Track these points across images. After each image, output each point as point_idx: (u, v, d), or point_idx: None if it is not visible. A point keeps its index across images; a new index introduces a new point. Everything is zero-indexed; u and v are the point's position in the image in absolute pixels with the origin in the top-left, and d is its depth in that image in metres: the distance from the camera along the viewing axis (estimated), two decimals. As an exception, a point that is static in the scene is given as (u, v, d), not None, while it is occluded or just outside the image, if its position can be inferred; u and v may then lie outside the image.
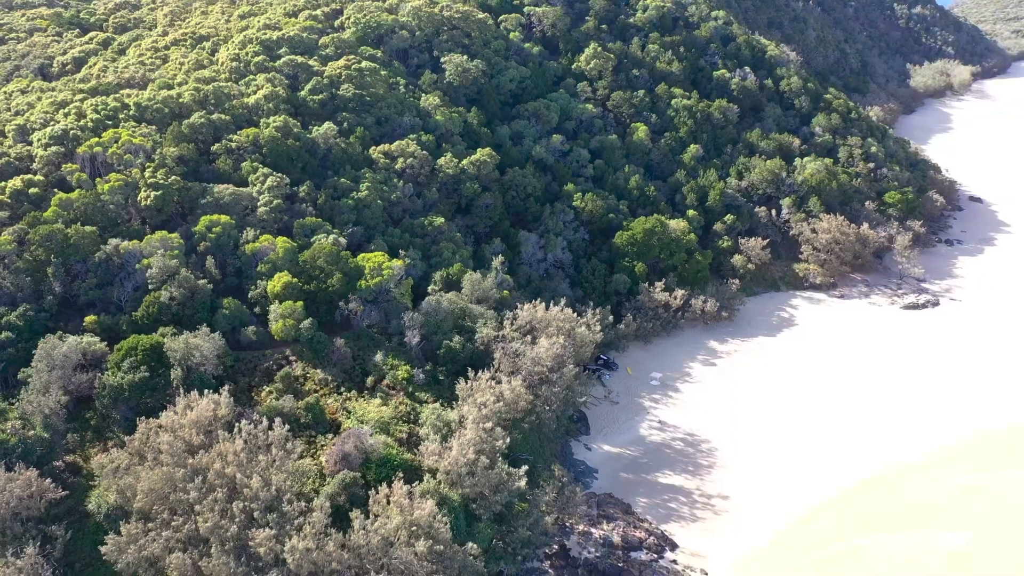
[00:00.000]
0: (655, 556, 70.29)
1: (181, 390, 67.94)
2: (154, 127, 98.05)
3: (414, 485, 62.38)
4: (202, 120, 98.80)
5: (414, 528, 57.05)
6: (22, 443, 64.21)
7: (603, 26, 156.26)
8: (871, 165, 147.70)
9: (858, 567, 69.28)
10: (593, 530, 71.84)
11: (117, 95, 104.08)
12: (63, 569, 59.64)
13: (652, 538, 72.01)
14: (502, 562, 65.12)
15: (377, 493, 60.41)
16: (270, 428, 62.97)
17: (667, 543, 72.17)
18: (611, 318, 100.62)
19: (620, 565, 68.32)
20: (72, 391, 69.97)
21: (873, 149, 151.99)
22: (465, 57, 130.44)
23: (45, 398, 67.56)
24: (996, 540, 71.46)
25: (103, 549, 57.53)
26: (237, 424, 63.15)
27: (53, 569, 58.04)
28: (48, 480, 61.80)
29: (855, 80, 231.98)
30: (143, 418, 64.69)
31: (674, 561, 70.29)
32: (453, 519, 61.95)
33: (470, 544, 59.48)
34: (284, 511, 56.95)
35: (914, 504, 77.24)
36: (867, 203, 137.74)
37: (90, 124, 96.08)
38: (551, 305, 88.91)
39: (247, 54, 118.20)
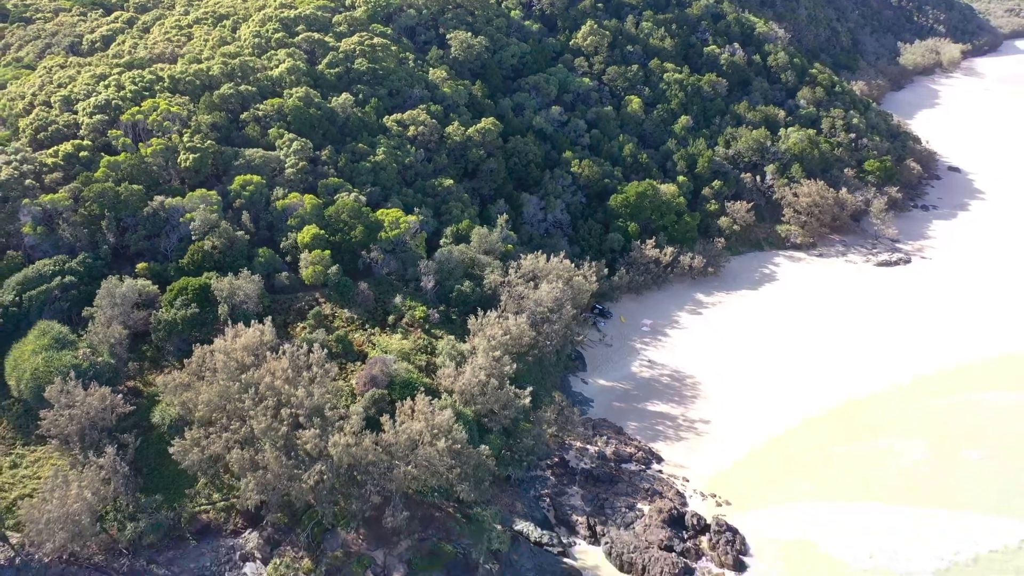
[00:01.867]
0: (643, 467, 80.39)
1: (228, 323, 77.64)
2: (187, 97, 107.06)
3: (433, 400, 72.23)
4: (231, 91, 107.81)
5: (435, 431, 66.90)
6: (93, 367, 74.02)
7: (599, 4, 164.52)
8: (852, 135, 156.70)
9: (822, 469, 79.51)
10: (589, 446, 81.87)
11: (151, 69, 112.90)
12: (133, 471, 69.67)
13: (641, 453, 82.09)
14: (510, 468, 75.20)
15: (403, 405, 70.28)
16: (309, 352, 72.78)
17: (654, 457, 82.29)
18: (606, 271, 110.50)
19: (612, 473, 78.40)
20: (130, 326, 79.63)
21: (855, 121, 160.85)
22: (469, 34, 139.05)
23: (109, 330, 77.29)
24: (945, 446, 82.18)
25: (172, 450, 67.47)
26: (281, 348, 72.98)
27: (127, 469, 68.12)
28: (119, 396, 71.87)
29: (845, 58, 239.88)
30: (198, 345, 74.46)
31: (660, 471, 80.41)
32: (467, 430, 71.81)
33: (483, 446, 69.41)
34: (326, 416, 66.83)
35: (877, 424, 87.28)
36: (847, 170, 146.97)
37: (129, 95, 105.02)
38: (551, 257, 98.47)
39: (267, 31, 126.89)
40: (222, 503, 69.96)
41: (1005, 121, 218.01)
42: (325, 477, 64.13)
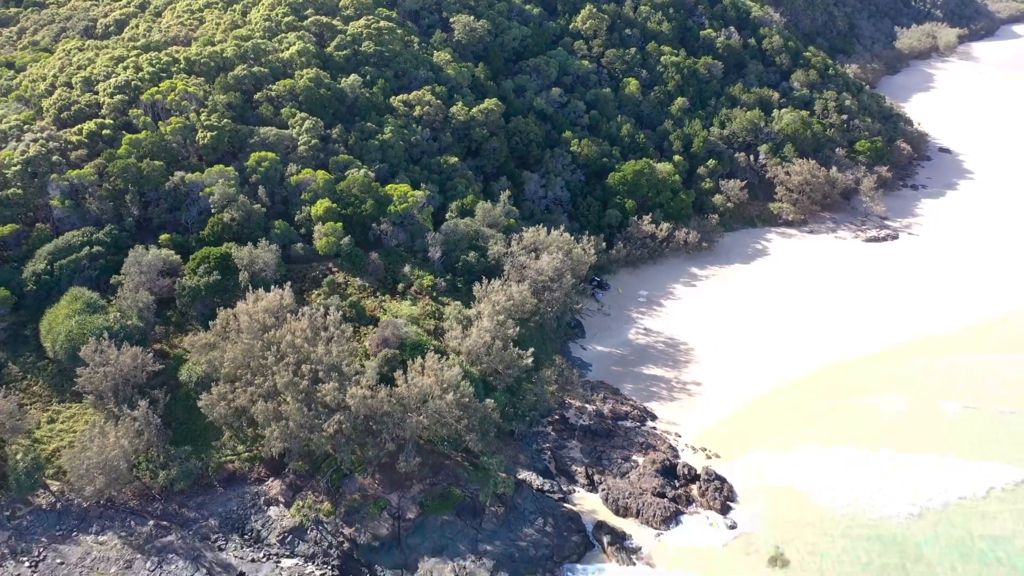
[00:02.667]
0: (638, 424, 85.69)
1: (249, 289, 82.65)
2: (202, 79, 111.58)
3: (442, 359, 77.36)
4: (244, 72, 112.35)
5: (445, 385, 72.08)
6: (123, 329, 79.16)
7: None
8: (844, 117, 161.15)
9: (808, 424, 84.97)
10: (587, 405, 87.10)
11: (167, 51, 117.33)
12: (163, 424, 74.88)
13: (636, 411, 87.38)
14: (513, 423, 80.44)
15: (414, 363, 75.42)
16: (326, 314, 77.88)
17: (648, 415, 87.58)
18: (604, 245, 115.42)
19: (609, 429, 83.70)
20: (156, 292, 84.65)
21: (847, 102, 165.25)
22: (472, 18, 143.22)
23: (137, 296, 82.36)
24: (924, 401, 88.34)
25: (200, 404, 72.71)
26: (300, 310, 78.11)
27: (159, 421, 73.40)
28: (149, 355, 77.06)
29: (841, 41, 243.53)
30: (221, 308, 79.56)
31: (653, 428, 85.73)
32: (474, 387, 76.95)
33: (489, 400, 74.63)
34: (343, 371, 72.00)
35: (861, 384, 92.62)
36: (838, 150, 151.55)
37: (147, 76, 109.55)
38: (552, 231, 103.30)
39: (277, 15, 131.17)
40: (246, 454, 75.30)
41: (997, 104, 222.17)
42: (343, 426, 69.38)
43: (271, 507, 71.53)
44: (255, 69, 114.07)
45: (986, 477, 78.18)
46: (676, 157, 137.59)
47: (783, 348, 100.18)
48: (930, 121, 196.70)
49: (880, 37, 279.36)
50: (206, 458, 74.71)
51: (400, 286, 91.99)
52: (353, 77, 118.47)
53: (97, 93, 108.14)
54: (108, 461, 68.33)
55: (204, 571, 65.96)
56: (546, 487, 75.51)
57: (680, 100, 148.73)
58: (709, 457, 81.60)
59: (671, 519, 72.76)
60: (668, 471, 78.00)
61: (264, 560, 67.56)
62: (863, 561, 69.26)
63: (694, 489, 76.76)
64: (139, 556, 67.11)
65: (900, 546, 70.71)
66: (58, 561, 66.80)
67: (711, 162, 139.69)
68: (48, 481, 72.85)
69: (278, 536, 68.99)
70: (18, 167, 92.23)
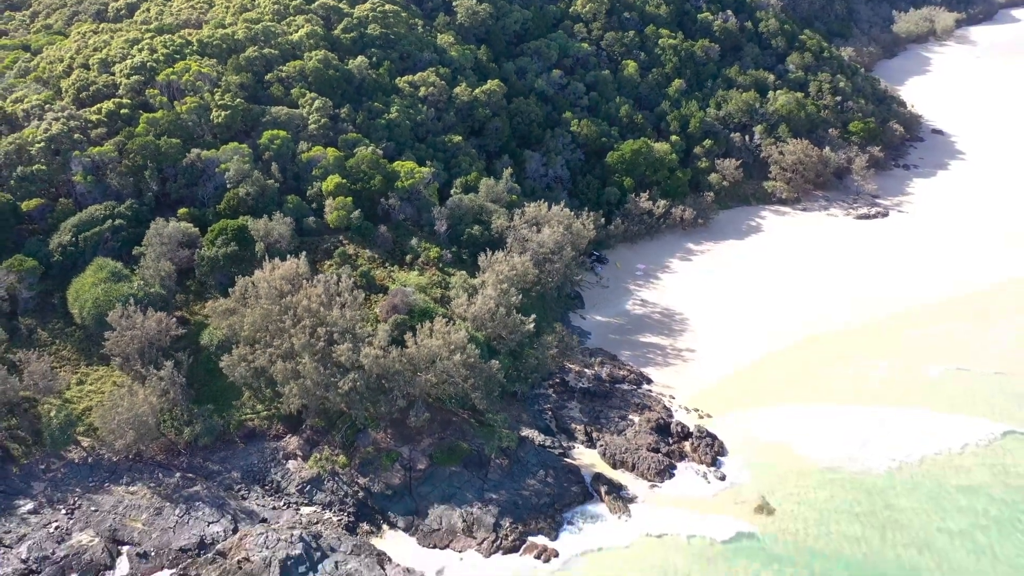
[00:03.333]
0: (634, 386, 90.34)
1: (265, 258, 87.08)
2: (215, 60, 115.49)
3: (449, 323, 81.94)
4: (256, 54, 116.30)
5: (452, 347, 76.69)
6: (147, 296, 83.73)
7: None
8: (838, 98, 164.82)
9: (796, 385, 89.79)
10: (586, 369, 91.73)
11: (180, 34, 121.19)
12: (187, 385, 79.56)
13: (632, 375, 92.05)
14: (516, 384, 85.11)
15: (423, 327, 79.99)
16: (339, 281, 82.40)
17: (644, 379, 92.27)
18: (603, 221, 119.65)
19: (607, 391, 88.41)
20: (176, 263, 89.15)
21: (842, 84, 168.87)
22: (474, 1, 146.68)
23: (159, 265, 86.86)
24: (908, 364, 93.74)
25: (221, 364, 77.43)
26: (315, 278, 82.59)
27: (183, 381, 78.11)
28: (172, 320, 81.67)
29: (839, 25, 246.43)
30: (239, 276, 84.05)
31: (649, 390, 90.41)
32: (480, 349, 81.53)
33: (493, 361, 79.26)
34: (356, 333, 76.62)
35: (848, 351, 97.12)
36: (832, 131, 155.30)
37: (162, 58, 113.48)
38: (552, 207, 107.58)
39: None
40: (265, 412, 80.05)
41: (991, 87, 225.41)
42: (357, 384, 74.04)
43: (290, 460, 76.36)
44: (265, 51, 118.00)
45: (963, 433, 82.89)
46: (673, 137, 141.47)
47: (774, 318, 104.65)
48: (924, 103, 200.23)
49: (878, 21, 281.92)
50: (227, 416, 79.48)
51: (408, 257, 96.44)
52: (360, 59, 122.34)
53: (114, 74, 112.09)
54: (137, 417, 73.11)
55: (229, 516, 70.81)
56: (547, 443, 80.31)
57: (677, 82, 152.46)
58: (701, 417, 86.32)
59: (665, 472, 77.55)
60: (662, 429, 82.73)
61: (284, 508, 72.44)
62: (843, 509, 74.08)
63: (686, 445, 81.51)
64: (168, 504, 71.96)
65: (878, 496, 75.51)
66: (92, 508, 71.65)
67: (707, 142, 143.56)
68: (79, 438, 77.68)
69: (297, 486, 73.84)
70: (42, 144, 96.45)
